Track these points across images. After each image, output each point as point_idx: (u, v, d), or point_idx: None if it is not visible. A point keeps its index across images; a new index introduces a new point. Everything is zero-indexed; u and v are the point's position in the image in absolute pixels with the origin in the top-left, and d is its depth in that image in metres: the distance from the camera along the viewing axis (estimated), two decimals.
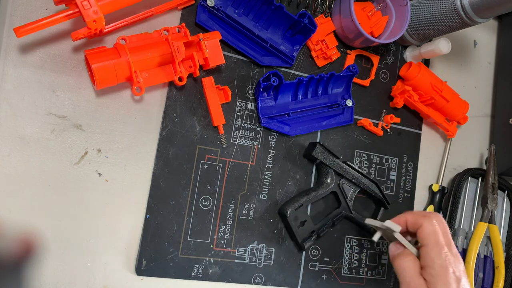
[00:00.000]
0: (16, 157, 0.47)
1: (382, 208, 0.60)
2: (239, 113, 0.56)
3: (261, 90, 0.55)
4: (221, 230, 0.54)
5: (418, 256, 0.44)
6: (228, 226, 0.54)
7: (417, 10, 0.60)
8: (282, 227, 0.57)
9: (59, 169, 0.48)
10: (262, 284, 0.55)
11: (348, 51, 0.62)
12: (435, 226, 0.43)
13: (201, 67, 0.53)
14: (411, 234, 0.47)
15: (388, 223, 0.45)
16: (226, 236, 0.54)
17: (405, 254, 0.44)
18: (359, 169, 0.57)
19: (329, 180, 0.56)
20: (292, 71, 0.59)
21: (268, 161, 0.57)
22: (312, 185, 0.59)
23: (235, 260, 0.54)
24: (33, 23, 0.42)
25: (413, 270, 0.43)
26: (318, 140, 0.58)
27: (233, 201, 0.55)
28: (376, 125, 0.63)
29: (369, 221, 0.50)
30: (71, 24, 0.49)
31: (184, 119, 0.53)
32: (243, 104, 0.56)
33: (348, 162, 0.57)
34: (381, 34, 0.61)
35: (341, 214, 0.57)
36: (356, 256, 0.60)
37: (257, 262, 0.55)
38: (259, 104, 0.56)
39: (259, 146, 0.57)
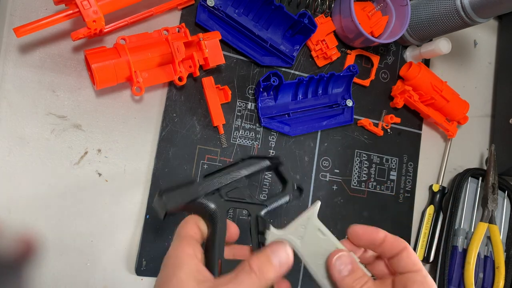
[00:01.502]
0: (16, 157, 0.47)
1: (281, 167, 0.43)
2: (239, 113, 0.56)
3: (261, 90, 0.55)
4: None
5: None
6: None
7: (417, 10, 0.60)
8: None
9: (59, 169, 0.48)
10: None
11: (348, 51, 0.62)
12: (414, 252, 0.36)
13: (201, 67, 0.53)
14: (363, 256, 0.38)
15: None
16: None
17: (365, 277, 0.35)
18: (220, 167, 0.41)
19: (217, 214, 0.38)
20: (292, 71, 0.59)
21: None
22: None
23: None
24: (33, 23, 0.42)
25: None
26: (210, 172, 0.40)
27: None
28: (376, 125, 0.63)
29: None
30: (71, 24, 0.49)
31: (184, 119, 0.53)
32: (243, 104, 0.56)
33: (206, 173, 0.40)
34: (381, 34, 0.61)
35: (259, 217, 0.40)
36: None
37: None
38: (259, 104, 0.56)
39: (259, 146, 0.57)
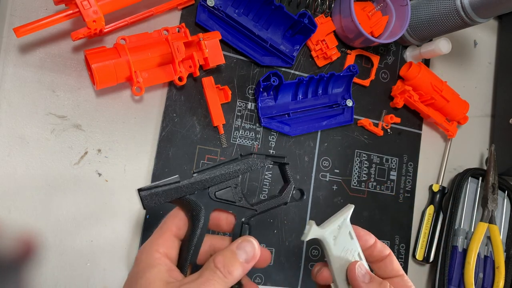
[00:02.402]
0: (16, 157, 0.47)
1: (286, 166, 0.42)
2: (239, 113, 0.56)
3: (261, 90, 0.55)
4: None
5: None
6: None
7: (417, 10, 0.60)
8: (282, 227, 0.57)
9: (59, 169, 0.48)
10: (262, 284, 0.55)
11: (348, 51, 0.62)
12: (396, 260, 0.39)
13: (201, 67, 0.53)
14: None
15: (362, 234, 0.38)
16: None
17: (385, 283, 0.36)
18: (214, 163, 0.39)
19: (200, 214, 0.37)
20: (292, 71, 0.59)
21: None
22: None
23: None
24: (33, 23, 0.42)
25: None
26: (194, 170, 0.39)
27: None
28: (376, 125, 0.63)
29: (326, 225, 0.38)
30: (71, 24, 0.49)
31: (184, 119, 0.53)
32: (243, 104, 0.56)
33: (195, 170, 0.38)
34: (381, 34, 0.61)
35: (244, 223, 0.39)
36: None
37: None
38: (259, 104, 0.56)
39: (259, 146, 0.57)
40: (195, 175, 0.37)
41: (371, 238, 0.38)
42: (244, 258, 0.33)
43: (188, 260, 0.36)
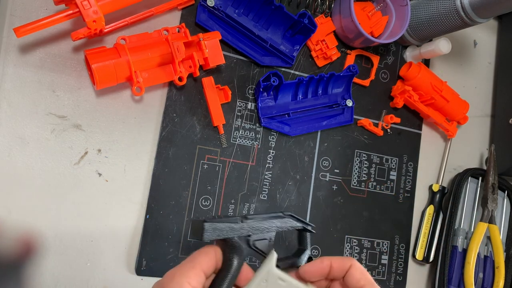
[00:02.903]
0: (16, 157, 0.47)
1: (308, 234, 0.45)
2: (239, 113, 0.56)
3: (261, 90, 0.55)
4: None
5: None
6: None
7: (417, 10, 0.60)
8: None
9: (59, 169, 0.48)
10: None
11: (348, 51, 0.62)
12: (361, 265, 0.39)
13: (201, 67, 0.53)
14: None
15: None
16: None
17: None
18: (263, 214, 0.43)
19: (235, 260, 0.38)
20: (292, 71, 0.59)
21: (268, 161, 0.57)
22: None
23: None
24: (33, 23, 0.42)
25: None
26: (211, 217, 0.43)
27: (233, 201, 0.55)
28: (376, 125, 0.63)
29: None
30: (71, 24, 0.49)
31: (184, 119, 0.53)
32: (243, 104, 0.56)
33: (248, 215, 0.42)
34: (381, 34, 0.61)
35: None
36: (356, 256, 0.60)
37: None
38: (259, 104, 0.56)
39: (259, 146, 0.57)
40: (245, 219, 0.40)
41: (323, 263, 0.38)
42: None
43: None
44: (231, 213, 0.54)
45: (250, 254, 0.40)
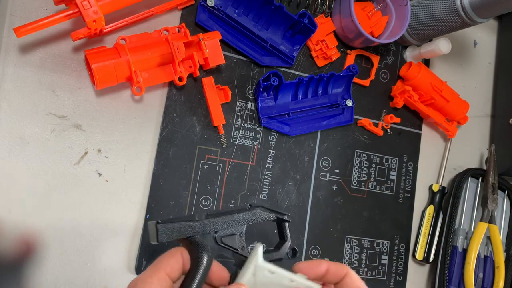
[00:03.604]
0: (16, 157, 0.47)
1: (286, 224, 0.44)
2: (239, 113, 0.56)
3: (261, 90, 0.55)
4: None
5: None
6: None
7: (417, 10, 0.60)
8: None
9: (59, 169, 0.48)
10: None
11: (348, 51, 0.62)
12: (357, 275, 0.39)
13: (201, 67, 0.53)
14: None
15: (306, 282, 0.37)
16: None
17: None
18: (228, 209, 0.42)
19: (204, 256, 0.37)
20: (292, 71, 0.59)
21: (268, 161, 0.57)
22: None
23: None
24: (33, 23, 0.42)
25: None
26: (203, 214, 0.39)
27: (233, 201, 0.55)
28: (376, 125, 0.63)
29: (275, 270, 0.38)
30: (71, 24, 0.49)
31: (184, 119, 0.53)
32: (243, 104, 0.56)
33: (212, 212, 0.42)
34: (381, 34, 0.61)
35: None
36: (356, 256, 0.60)
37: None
38: (259, 104, 0.56)
39: (259, 146, 0.57)
40: (207, 217, 0.38)
41: (321, 266, 0.38)
42: None
43: None
44: (232, 276, 0.53)
45: (220, 251, 0.38)
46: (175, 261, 0.35)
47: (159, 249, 0.50)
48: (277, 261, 0.40)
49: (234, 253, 0.39)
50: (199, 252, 0.37)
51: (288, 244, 0.42)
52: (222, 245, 0.38)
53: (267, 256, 0.40)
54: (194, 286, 0.36)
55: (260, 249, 0.38)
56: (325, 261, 0.39)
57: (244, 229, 0.40)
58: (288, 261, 0.42)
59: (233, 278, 0.39)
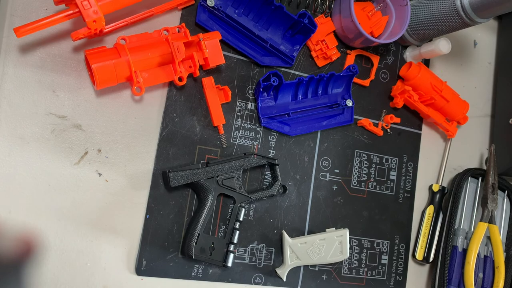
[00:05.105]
0: (16, 157, 0.47)
1: (277, 168, 0.55)
2: (239, 113, 0.56)
3: (261, 90, 0.55)
4: (221, 230, 0.54)
5: None
6: None
7: (417, 10, 0.60)
8: (282, 227, 0.57)
9: (59, 169, 0.48)
10: (262, 284, 0.55)
11: (348, 51, 0.62)
12: None
13: (201, 67, 0.53)
14: None
15: (334, 232, 0.53)
16: None
17: None
18: (224, 158, 0.52)
19: (209, 195, 0.50)
20: (292, 71, 0.59)
21: None
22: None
23: (235, 260, 0.54)
24: (33, 23, 0.42)
25: None
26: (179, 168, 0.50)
27: (233, 201, 0.55)
28: (376, 125, 0.63)
29: None
30: (71, 24, 0.49)
31: (184, 119, 0.53)
32: (243, 104, 0.56)
33: (209, 162, 0.51)
34: (381, 34, 0.61)
35: (240, 206, 0.52)
36: (356, 256, 0.60)
37: (257, 262, 0.55)
38: (259, 104, 0.56)
39: (259, 146, 0.57)
40: (209, 164, 0.50)
41: None
42: None
43: (196, 232, 0.49)
44: (231, 213, 0.54)
45: (221, 191, 0.51)
46: None
47: (158, 250, 0.50)
48: (270, 197, 0.55)
49: (234, 193, 0.51)
50: (204, 193, 0.50)
51: (278, 183, 0.54)
52: (223, 186, 0.51)
53: (259, 193, 0.53)
54: (202, 219, 0.49)
55: (285, 234, 0.54)
56: None
57: (241, 173, 0.52)
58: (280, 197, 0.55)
59: (232, 213, 0.52)
